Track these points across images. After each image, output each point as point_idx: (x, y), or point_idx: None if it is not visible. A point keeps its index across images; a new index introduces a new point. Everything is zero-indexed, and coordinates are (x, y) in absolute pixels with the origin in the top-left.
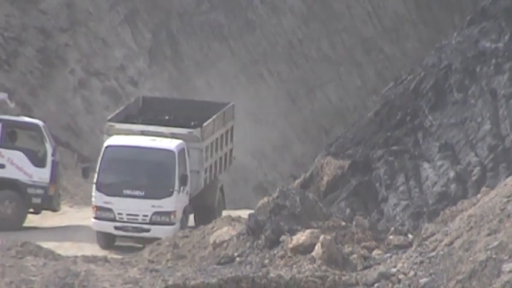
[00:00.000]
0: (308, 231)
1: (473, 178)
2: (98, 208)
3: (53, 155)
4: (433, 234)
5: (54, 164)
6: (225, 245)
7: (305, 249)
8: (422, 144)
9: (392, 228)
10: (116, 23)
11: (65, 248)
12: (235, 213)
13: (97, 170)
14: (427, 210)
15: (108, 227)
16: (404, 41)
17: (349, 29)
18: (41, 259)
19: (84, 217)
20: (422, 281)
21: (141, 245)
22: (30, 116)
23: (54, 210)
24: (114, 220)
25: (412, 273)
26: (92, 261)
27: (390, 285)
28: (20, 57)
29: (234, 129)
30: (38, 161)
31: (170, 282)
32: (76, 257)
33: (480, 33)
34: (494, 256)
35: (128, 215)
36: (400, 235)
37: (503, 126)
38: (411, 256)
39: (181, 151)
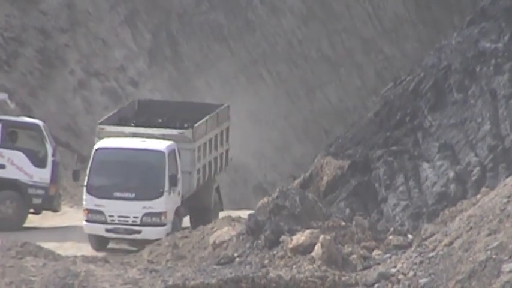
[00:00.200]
0: (308, 231)
1: (473, 178)
2: (89, 211)
3: (53, 155)
4: (432, 235)
5: (55, 164)
6: (224, 245)
7: (305, 249)
8: (422, 145)
9: (392, 229)
10: (116, 23)
11: (65, 249)
12: (235, 213)
13: (87, 172)
14: (426, 210)
15: (100, 229)
16: (404, 42)
17: (348, 30)
18: (41, 259)
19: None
20: (422, 281)
21: (134, 248)
22: (30, 116)
23: (55, 210)
24: (105, 222)
25: (411, 273)
26: (91, 261)
27: (390, 285)
28: (20, 58)
29: (229, 130)
30: (39, 161)
31: (170, 283)
32: (76, 257)
33: (480, 33)
34: (494, 256)
35: (118, 217)
36: (400, 235)
37: (503, 126)
38: (411, 256)
39: (172, 152)
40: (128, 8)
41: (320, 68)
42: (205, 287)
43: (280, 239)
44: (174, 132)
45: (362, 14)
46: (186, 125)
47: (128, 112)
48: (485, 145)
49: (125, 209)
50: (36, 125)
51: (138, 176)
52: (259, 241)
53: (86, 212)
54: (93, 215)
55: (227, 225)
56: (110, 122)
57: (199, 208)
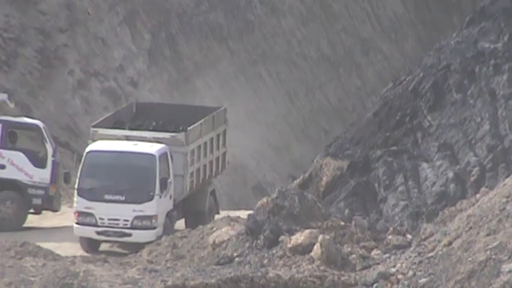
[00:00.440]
0: (307, 231)
1: (472, 178)
2: (80, 213)
3: (53, 155)
4: (432, 235)
5: (55, 164)
6: (224, 245)
7: (304, 249)
8: (421, 145)
9: (391, 228)
10: (115, 23)
11: (64, 249)
12: (234, 213)
13: (78, 175)
14: (426, 210)
15: (90, 232)
16: (403, 42)
17: (348, 30)
18: (40, 259)
19: None
20: (421, 281)
21: (126, 251)
22: (30, 117)
23: (55, 210)
24: (95, 225)
25: (411, 273)
26: (91, 261)
27: (389, 285)
28: (19, 58)
29: (227, 133)
30: (39, 161)
31: (169, 283)
32: (75, 257)
33: (479, 33)
34: (493, 256)
35: (109, 219)
36: (399, 235)
37: (502, 126)
38: (410, 256)
39: (163, 155)
40: (127, 8)
41: (319, 68)
42: (204, 286)
43: (280, 239)
44: (166, 135)
45: (361, 14)
46: (181, 128)
47: (124, 114)
48: (484, 145)
49: (115, 211)
50: (36, 126)
51: (128, 179)
52: (259, 241)
53: (77, 214)
54: (84, 218)
55: (226, 225)
56: (105, 124)
57: (193, 211)
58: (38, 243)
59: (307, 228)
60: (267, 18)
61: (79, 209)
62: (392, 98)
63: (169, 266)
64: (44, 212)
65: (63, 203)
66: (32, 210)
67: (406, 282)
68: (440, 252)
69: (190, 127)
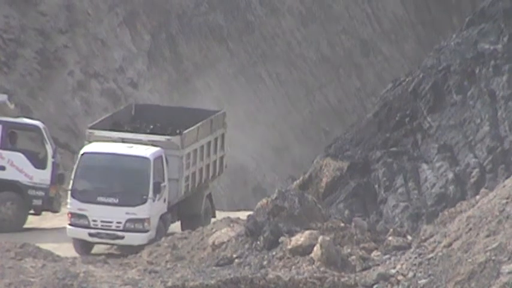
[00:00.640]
0: (307, 232)
1: (472, 179)
2: (73, 215)
3: (53, 156)
4: (432, 236)
5: (55, 165)
6: (223, 246)
7: (304, 250)
8: (421, 146)
9: (391, 230)
10: (115, 24)
11: (64, 249)
12: (234, 214)
13: (72, 176)
14: (426, 211)
15: (83, 233)
16: (403, 43)
17: (348, 31)
18: (40, 260)
19: None
20: (421, 282)
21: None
22: (29, 118)
23: (55, 211)
24: (88, 227)
25: (411, 274)
26: (91, 262)
27: (389, 286)
28: (19, 59)
29: (225, 137)
30: (39, 162)
31: (169, 284)
32: (75, 258)
33: (479, 34)
34: (493, 258)
35: (102, 221)
36: (399, 236)
37: (502, 127)
38: (410, 257)
39: (158, 158)
40: (127, 9)
41: (319, 69)
42: None
43: (279, 240)
44: (162, 138)
45: (361, 15)
46: (178, 131)
47: (123, 116)
48: (484, 146)
49: (108, 214)
50: (36, 127)
51: (122, 181)
52: (258, 242)
53: (70, 215)
54: (77, 219)
55: (226, 226)
56: (102, 125)
57: (189, 214)
58: (37, 244)
59: (307, 229)
60: (267, 19)
61: (72, 210)
62: (392, 99)
63: (169, 267)
64: (44, 213)
65: (63, 204)
66: (32, 211)
67: (406, 284)
68: (440, 254)
69: (186, 131)
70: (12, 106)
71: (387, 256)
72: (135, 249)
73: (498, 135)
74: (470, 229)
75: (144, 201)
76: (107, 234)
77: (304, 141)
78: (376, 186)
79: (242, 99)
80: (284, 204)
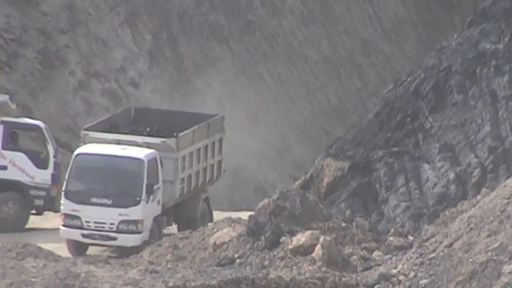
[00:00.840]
0: (308, 232)
1: (473, 179)
2: (66, 215)
3: (54, 156)
4: (433, 236)
5: (56, 165)
6: (225, 246)
7: (305, 250)
8: (422, 146)
9: (393, 230)
10: (116, 24)
11: (66, 250)
12: (235, 214)
13: (66, 177)
14: (427, 211)
15: (76, 234)
16: (404, 43)
17: (349, 31)
18: (42, 260)
19: None
20: (423, 282)
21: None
22: (31, 118)
23: (56, 211)
24: (81, 228)
25: (412, 274)
26: (92, 262)
27: (390, 286)
28: (21, 59)
29: (223, 141)
30: (40, 162)
31: (170, 284)
32: (76, 258)
33: (480, 34)
34: (494, 258)
35: (95, 223)
36: (400, 236)
37: (503, 127)
38: (411, 257)
39: (152, 160)
40: (128, 9)
41: (320, 69)
42: None
43: (281, 240)
44: (157, 140)
45: (362, 15)
46: (175, 134)
47: (121, 119)
48: (485, 146)
49: (101, 215)
50: (38, 127)
51: (115, 183)
52: (260, 242)
53: (63, 216)
54: (70, 220)
55: (227, 226)
56: (99, 127)
57: (185, 218)
58: (39, 244)
59: (308, 229)
60: (268, 18)
61: (66, 211)
62: (393, 99)
63: (170, 267)
64: (45, 213)
65: None
66: (33, 211)
67: (407, 284)
68: (441, 254)
69: (182, 133)
70: (13, 106)
71: (388, 256)
72: (129, 251)
73: (499, 135)
74: (472, 229)
75: (137, 203)
76: (100, 235)
77: (305, 141)
78: (378, 186)
79: (243, 99)
80: (285, 204)
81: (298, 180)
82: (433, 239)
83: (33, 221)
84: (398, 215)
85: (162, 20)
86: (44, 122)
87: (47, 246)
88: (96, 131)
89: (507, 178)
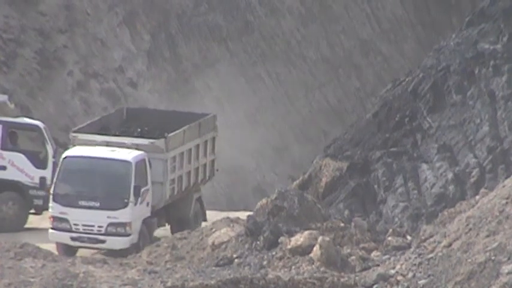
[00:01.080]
0: (306, 232)
1: (472, 180)
2: (55, 218)
3: (53, 156)
4: (431, 236)
5: (55, 165)
6: (223, 246)
7: (304, 250)
8: (420, 146)
9: (391, 230)
10: (115, 24)
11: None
12: (233, 214)
13: (54, 180)
14: (425, 211)
15: (65, 237)
16: (403, 43)
17: (347, 31)
18: (40, 260)
19: None
20: (421, 282)
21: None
22: (30, 118)
23: None
24: (70, 231)
25: (410, 274)
26: (90, 262)
27: (389, 286)
28: (19, 59)
29: (215, 141)
30: (39, 162)
31: (169, 284)
32: (75, 258)
33: (479, 34)
34: (492, 258)
35: (83, 225)
36: (399, 236)
37: (501, 127)
38: (410, 257)
39: (140, 162)
40: (127, 9)
41: (319, 69)
42: None
43: (279, 240)
44: (145, 141)
45: (361, 15)
46: (164, 135)
47: (113, 120)
48: (484, 146)
49: (89, 217)
50: (37, 127)
51: (103, 185)
52: (258, 242)
53: (52, 219)
54: (59, 223)
55: (226, 226)
56: (90, 129)
57: (177, 218)
58: (37, 244)
59: (306, 229)
60: (267, 19)
61: (54, 214)
62: (391, 99)
63: (169, 267)
64: (44, 212)
65: None
66: (33, 211)
67: (405, 284)
68: (439, 254)
69: (171, 134)
70: (12, 106)
71: (387, 256)
72: (118, 254)
73: (498, 135)
74: (470, 229)
75: (125, 205)
76: (89, 238)
77: (304, 141)
78: (376, 186)
79: (242, 99)
80: (284, 204)
81: (296, 180)
82: (431, 239)
83: (32, 221)
84: (396, 215)
85: (161, 20)
86: (43, 122)
87: (46, 246)
88: (85, 132)
89: (506, 178)
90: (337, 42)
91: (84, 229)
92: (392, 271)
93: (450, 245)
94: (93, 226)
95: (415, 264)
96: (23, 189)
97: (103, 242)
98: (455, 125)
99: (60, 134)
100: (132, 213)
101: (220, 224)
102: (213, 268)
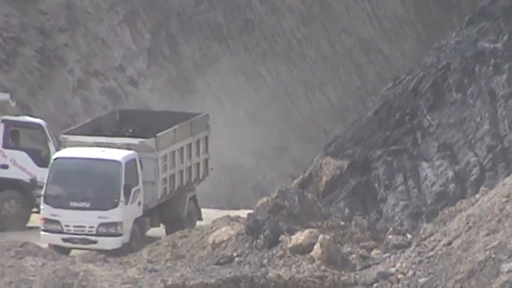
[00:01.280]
0: (307, 231)
1: (472, 178)
2: (46, 220)
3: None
4: (431, 234)
5: None
6: (224, 245)
7: (304, 249)
8: (421, 144)
9: (391, 228)
10: (115, 23)
11: None
12: (234, 213)
13: (45, 182)
14: (425, 210)
15: (56, 239)
16: (403, 41)
17: (348, 30)
18: (40, 259)
19: None
20: (421, 280)
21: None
22: (32, 116)
23: None
24: (61, 232)
25: (410, 273)
26: (90, 261)
27: (389, 285)
28: (19, 58)
29: (209, 140)
30: (41, 161)
31: (169, 282)
32: (75, 257)
33: (479, 33)
34: (493, 256)
35: (75, 226)
36: (399, 235)
37: (501, 126)
38: (410, 256)
39: (130, 162)
40: (127, 8)
41: (319, 67)
42: (204, 286)
43: (280, 239)
44: (135, 141)
45: (361, 14)
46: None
47: (105, 122)
48: (484, 145)
49: (80, 218)
50: (39, 125)
51: (94, 185)
52: (259, 241)
53: (43, 221)
54: (50, 225)
55: (226, 225)
56: (79, 131)
57: (171, 218)
58: (38, 243)
59: (307, 227)
60: (267, 17)
61: (45, 215)
62: (392, 97)
63: (169, 265)
64: None
65: None
66: (35, 210)
67: (406, 282)
68: (440, 252)
69: (161, 133)
70: (13, 103)
71: (387, 255)
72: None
73: (498, 133)
74: (470, 227)
75: (115, 205)
76: (80, 239)
77: (304, 140)
78: (376, 184)
79: (242, 97)
80: (284, 203)
81: (296, 178)
82: (431, 238)
83: (32, 220)
84: (397, 213)
85: (161, 19)
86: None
87: (46, 244)
88: (75, 134)
89: (506, 176)
90: (338, 41)
91: (75, 230)
92: (393, 269)
93: (450, 243)
94: (84, 227)
95: (415, 263)
96: (25, 187)
97: (95, 242)
98: (456, 124)
99: (60, 133)
100: (123, 213)
101: (221, 223)
102: (214, 267)
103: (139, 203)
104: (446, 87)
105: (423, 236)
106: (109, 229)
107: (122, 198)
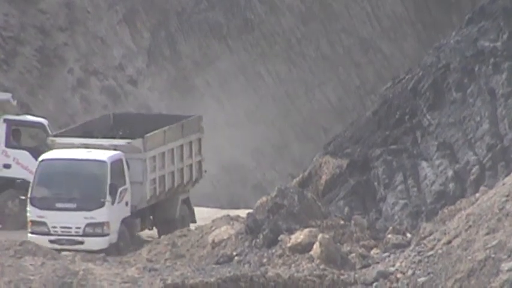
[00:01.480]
0: (306, 230)
1: (472, 177)
2: (33, 222)
3: None
4: (431, 233)
5: None
6: (223, 244)
7: (303, 248)
8: (420, 143)
9: (391, 227)
10: (115, 22)
11: None
12: (233, 212)
13: (31, 184)
14: (425, 209)
15: (43, 241)
16: (403, 41)
17: (347, 29)
18: (40, 258)
19: None
20: (421, 280)
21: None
22: (33, 115)
23: None
24: (48, 234)
25: (410, 272)
26: (90, 260)
27: (388, 284)
28: (19, 57)
29: (202, 142)
30: None
31: (169, 282)
32: (74, 256)
33: (479, 32)
34: (492, 255)
35: (61, 228)
36: (399, 234)
37: (501, 125)
38: (409, 255)
39: (116, 162)
40: (127, 7)
41: (319, 67)
42: (204, 285)
43: (279, 238)
44: (122, 142)
45: (361, 13)
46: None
47: (97, 125)
48: (484, 144)
49: (67, 219)
50: (41, 124)
51: (80, 186)
52: (258, 240)
53: (30, 223)
54: (37, 227)
55: (226, 224)
56: (67, 134)
57: (163, 220)
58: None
59: (306, 227)
60: (267, 17)
61: (32, 218)
62: (391, 96)
63: (169, 264)
64: None
65: None
66: None
67: (405, 281)
68: (439, 251)
69: (149, 134)
70: (14, 102)
71: (387, 254)
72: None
73: (498, 132)
74: (470, 227)
75: (101, 205)
76: (67, 240)
77: (304, 139)
78: (376, 183)
79: (241, 97)
80: (284, 202)
81: (296, 178)
82: (431, 237)
83: None
84: (396, 212)
85: (161, 18)
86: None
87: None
88: (63, 136)
89: (506, 176)
90: (337, 41)
91: (62, 231)
92: (392, 269)
93: (450, 242)
94: (70, 228)
95: (414, 262)
96: (28, 186)
97: (81, 243)
98: (455, 123)
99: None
100: (110, 213)
101: (220, 222)
102: (213, 266)
103: (126, 203)
104: (446, 86)
105: (423, 235)
106: (95, 229)
107: (108, 198)
